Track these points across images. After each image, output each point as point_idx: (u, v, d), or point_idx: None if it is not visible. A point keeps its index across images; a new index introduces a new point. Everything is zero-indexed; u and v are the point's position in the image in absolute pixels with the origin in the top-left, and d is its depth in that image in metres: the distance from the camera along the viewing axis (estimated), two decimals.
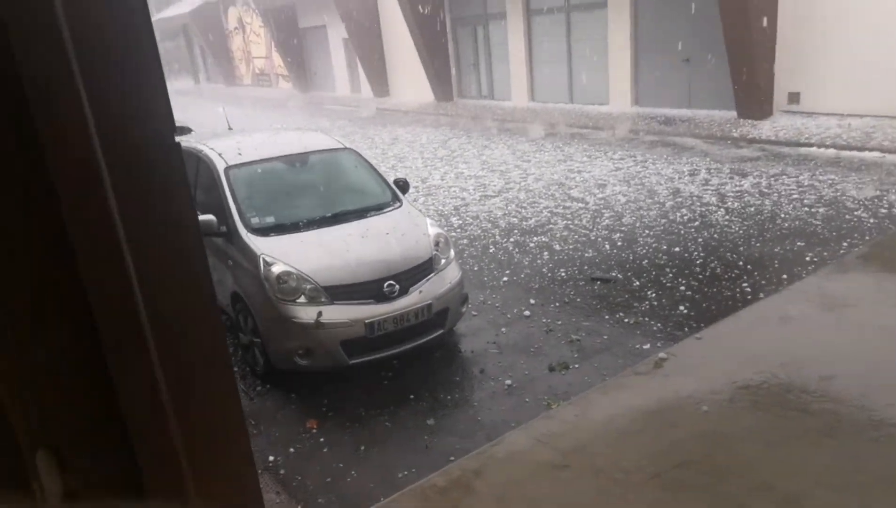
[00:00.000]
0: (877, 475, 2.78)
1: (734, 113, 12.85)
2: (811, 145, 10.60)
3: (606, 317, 5.59)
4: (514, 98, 18.33)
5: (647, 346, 4.99)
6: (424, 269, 4.93)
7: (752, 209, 7.91)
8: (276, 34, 26.71)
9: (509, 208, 9.06)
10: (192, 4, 33.33)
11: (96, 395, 0.67)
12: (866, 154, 9.85)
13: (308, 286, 4.61)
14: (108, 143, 0.66)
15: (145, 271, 0.69)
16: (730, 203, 8.25)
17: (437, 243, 5.12)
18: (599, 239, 7.47)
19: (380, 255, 4.83)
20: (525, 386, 4.67)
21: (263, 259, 4.71)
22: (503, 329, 5.56)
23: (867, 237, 6.65)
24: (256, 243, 4.87)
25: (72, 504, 0.68)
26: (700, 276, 6.21)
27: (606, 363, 4.84)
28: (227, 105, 18.56)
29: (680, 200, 8.62)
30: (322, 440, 4.27)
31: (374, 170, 5.96)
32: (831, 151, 10.24)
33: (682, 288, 5.97)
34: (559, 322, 5.57)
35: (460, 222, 8.68)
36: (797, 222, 7.30)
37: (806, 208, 7.72)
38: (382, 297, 4.68)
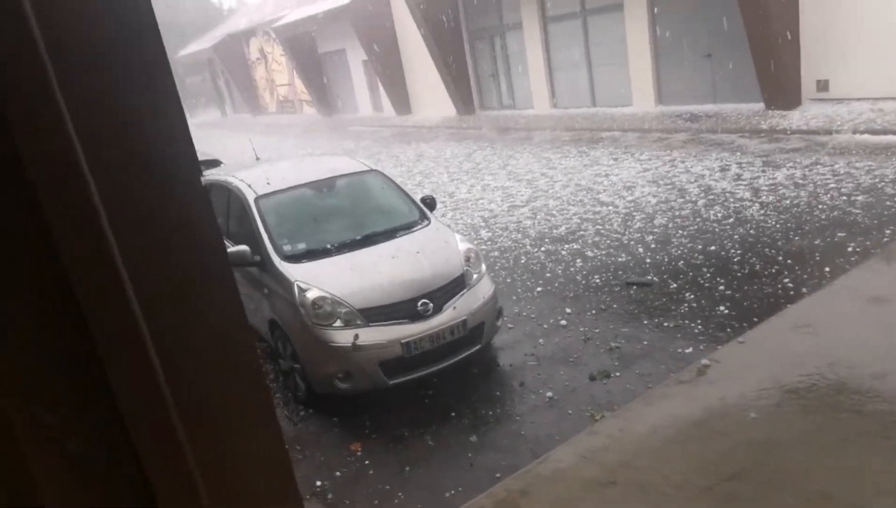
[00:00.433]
0: None
1: (761, 105, 12.60)
2: (844, 132, 10.31)
3: (645, 322, 5.50)
4: (536, 106, 18.29)
5: (690, 349, 4.89)
6: (457, 285, 4.93)
7: (788, 202, 7.72)
8: (297, 61, 27.15)
9: (538, 216, 9.02)
10: (214, 39, 34.18)
11: (96, 395, 0.67)
12: None
13: (343, 310, 4.65)
14: (89, 142, 0.64)
15: (135, 269, 0.67)
16: (764, 197, 8.07)
17: (467, 259, 5.13)
18: (632, 243, 7.38)
19: (412, 274, 4.85)
20: (566, 398, 4.62)
21: (298, 286, 4.77)
22: (540, 340, 5.52)
23: None
24: (290, 270, 4.94)
25: (72, 505, 0.68)
26: (739, 274, 6.08)
27: (648, 369, 4.76)
28: (254, 134, 18.95)
29: (712, 197, 8.46)
30: (367, 462, 4.28)
31: (401, 190, 6.01)
32: (866, 137, 9.94)
33: (721, 288, 5.85)
34: (597, 330, 5.51)
35: (490, 234, 8.66)
36: (836, 212, 7.10)
37: (844, 197, 7.50)
38: (417, 316, 4.70)
